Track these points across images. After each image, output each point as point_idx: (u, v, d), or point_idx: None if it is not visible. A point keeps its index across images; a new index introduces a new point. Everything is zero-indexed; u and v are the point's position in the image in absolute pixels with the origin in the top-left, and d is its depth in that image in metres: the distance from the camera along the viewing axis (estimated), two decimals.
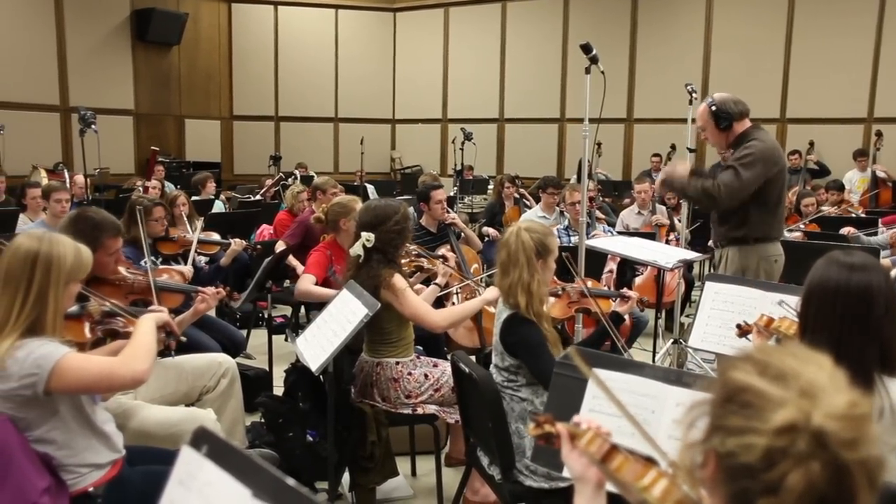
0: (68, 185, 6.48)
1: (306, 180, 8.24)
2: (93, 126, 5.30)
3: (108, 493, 2.13)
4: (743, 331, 2.44)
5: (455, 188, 9.22)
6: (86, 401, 2.10)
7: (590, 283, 3.64)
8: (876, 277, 1.70)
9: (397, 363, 3.17)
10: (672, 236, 5.84)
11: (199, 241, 4.56)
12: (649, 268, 5.15)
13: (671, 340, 4.69)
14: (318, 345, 2.76)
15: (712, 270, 4.35)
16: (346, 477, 3.21)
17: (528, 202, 7.76)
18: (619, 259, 4.98)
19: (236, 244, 4.61)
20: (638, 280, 5.51)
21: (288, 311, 5.95)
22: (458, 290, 4.31)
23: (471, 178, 10.48)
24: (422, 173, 11.23)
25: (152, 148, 11.69)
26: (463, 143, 8.45)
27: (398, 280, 3.08)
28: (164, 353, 2.44)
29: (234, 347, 4.11)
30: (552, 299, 3.28)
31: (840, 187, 7.59)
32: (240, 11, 13.48)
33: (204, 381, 3.15)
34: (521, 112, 13.04)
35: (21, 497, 1.91)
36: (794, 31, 10.81)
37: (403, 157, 14.23)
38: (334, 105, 14.04)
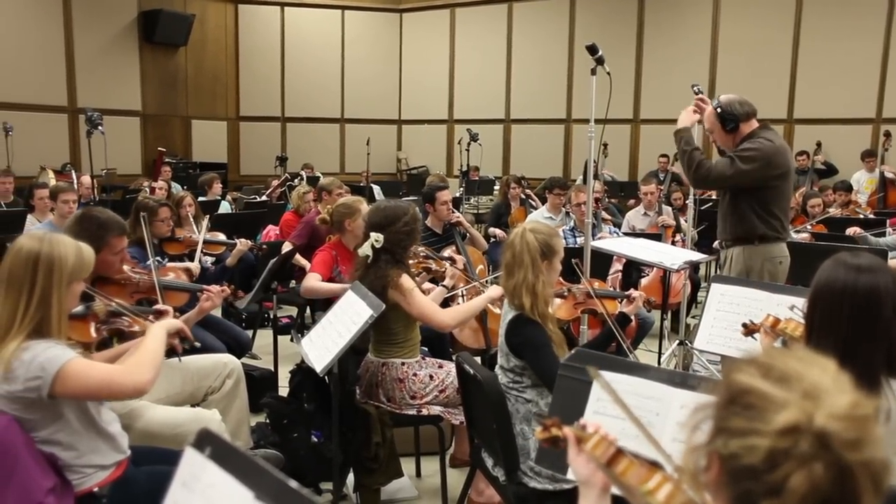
0: (76, 185, 6.50)
1: (312, 181, 8.25)
2: (99, 127, 5.31)
3: (112, 493, 2.13)
4: (749, 330, 2.43)
5: (461, 189, 9.22)
6: (91, 403, 2.10)
7: (596, 285, 3.63)
8: (883, 279, 1.69)
9: (403, 364, 3.17)
10: (678, 237, 5.83)
11: (205, 242, 4.57)
12: (655, 269, 5.14)
13: (677, 342, 4.67)
14: (322, 346, 2.76)
15: (718, 271, 4.33)
16: (350, 477, 3.21)
17: (533, 203, 7.75)
18: (624, 260, 4.97)
19: (242, 244, 4.62)
20: (644, 281, 5.50)
21: (294, 311, 5.95)
22: (464, 292, 4.31)
23: (477, 178, 10.49)
24: (428, 174, 11.26)
25: (159, 149, 11.73)
26: (468, 144, 8.45)
27: (406, 280, 3.08)
28: (170, 353, 2.44)
29: (240, 348, 4.12)
30: (558, 300, 3.28)
31: (848, 188, 7.55)
32: (246, 12, 13.52)
33: (209, 382, 3.15)
34: (528, 113, 13.03)
35: (26, 497, 1.92)
36: (801, 32, 10.77)
37: (409, 157, 14.24)
38: (340, 106, 14.05)
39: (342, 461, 3.03)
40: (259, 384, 4.12)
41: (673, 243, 5.55)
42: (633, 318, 3.18)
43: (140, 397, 2.26)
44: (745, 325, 2.43)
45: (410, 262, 3.42)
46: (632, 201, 8.88)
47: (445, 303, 3.87)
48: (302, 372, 3.25)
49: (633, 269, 5.41)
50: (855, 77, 10.37)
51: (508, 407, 2.58)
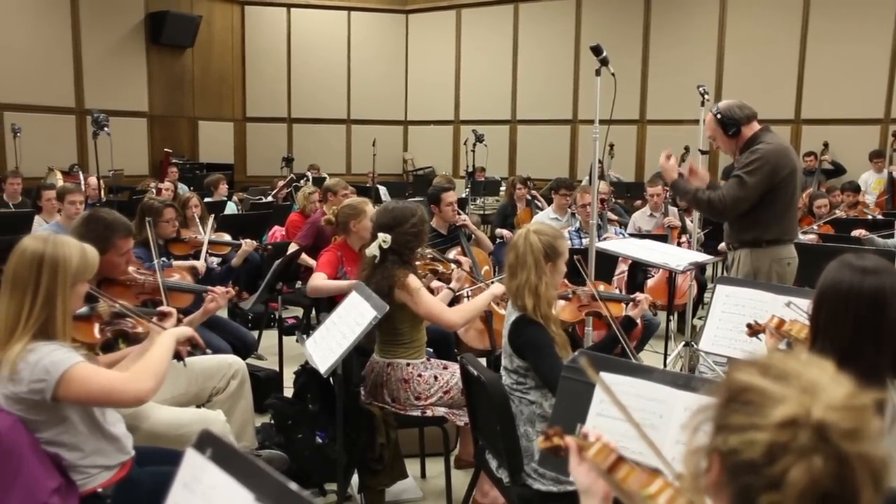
0: (83, 186, 6.52)
1: (318, 182, 8.26)
2: (105, 128, 5.34)
3: (117, 493, 2.14)
4: (754, 330, 2.42)
5: (466, 190, 9.22)
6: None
7: (601, 287, 3.62)
8: (889, 281, 1.67)
9: (408, 364, 3.17)
10: (684, 238, 5.81)
11: (210, 242, 4.58)
12: (661, 270, 5.12)
13: (683, 343, 4.66)
14: (327, 347, 2.76)
15: (725, 273, 4.32)
16: (355, 478, 3.21)
17: (539, 204, 7.74)
18: (630, 261, 4.95)
19: (247, 245, 4.63)
20: (650, 282, 5.48)
21: (300, 312, 5.96)
22: (469, 294, 4.31)
23: (483, 179, 10.48)
24: (434, 175, 11.26)
25: (165, 150, 11.77)
26: (474, 145, 8.45)
27: (413, 280, 3.09)
28: (175, 355, 2.44)
29: (245, 348, 4.12)
30: (562, 302, 3.27)
31: (856, 189, 7.52)
32: (253, 14, 13.55)
33: (214, 383, 3.16)
34: (534, 113, 13.02)
35: (31, 497, 1.93)
36: (808, 32, 10.72)
37: (416, 158, 14.25)
38: (347, 107, 14.07)
39: (346, 462, 3.03)
40: (264, 385, 4.13)
41: (679, 244, 5.54)
42: (638, 321, 3.17)
43: (139, 405, 2.25)
44: (749, 326, 2.42)
45: (417, 263, 3.42)
46: (639, 202, 8.85)
47: (450, 305, 3.87)
48: (306, 373, 3.25)
49: (639, 271, 5.39)
50: (863, 77, 10.32)
51: (512, 408, 2.57)
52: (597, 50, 3.58)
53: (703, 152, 4.88)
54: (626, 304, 3.29)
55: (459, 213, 5.06)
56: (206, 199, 7.00)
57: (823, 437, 0.87)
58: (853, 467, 0.86)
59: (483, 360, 4.08)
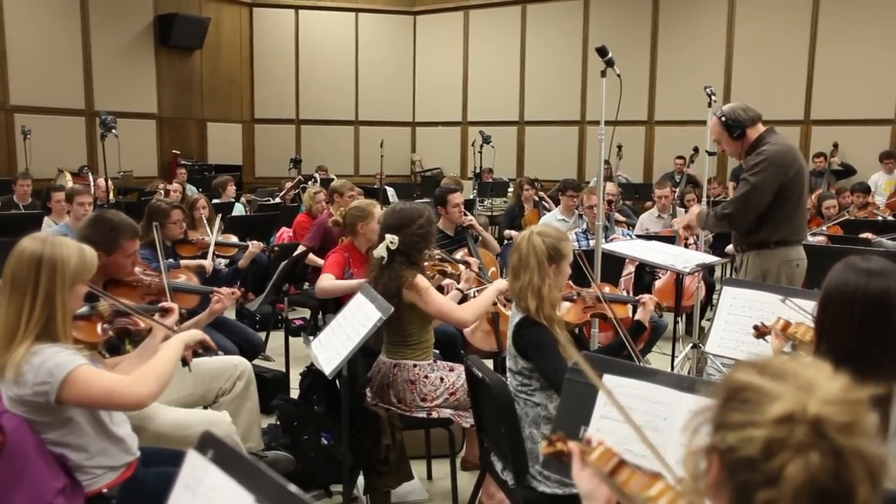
0: (92, 187, 6.56)
1: (326, 183, 8.28)
2: (113, 130, 5.36)
3: (122, 494, 2.15)
4: (760, 332, 2.41)
5: (474, 191, 9.21)
6: None
7: (607, 288, 3.61)
8: (894, 283, 1.66)
9: (415, 365, 3.17)
10: (691, 240, 5.78)
11: (217, 244, 4.59)
12: (669, 271, 5.10)
13: (690, 345, 4.64)
14: (332, 348, 2.77)
15: (734, 274, 4.29)
16: (361, 480, 3.21)
17: (547, 205, 7.73)
18: (637, 262, 4.94)
19: (254, 246, 4.64)
20: (657, 284, 5.46)
21: (307, 313, 5.97)
22: (476, 294, 4.30)
23: (490, 180, 10.47)
24: (442, 176, 11.26)
25: (173, 151, 11.82)
26: (481, 147, 8.45)
27: (421, 280, 3.09)
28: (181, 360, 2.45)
29: (252, 350, 4.13)
30: (567, 304, 3.26)
31: (866, 189, 7.47)
32: (261, 16, 13.60)
33: (220, 384, 3.16)
34: (542, 114, 13.00)
35: (36, 497, 1.93)
36: (818, 32, 10.67)
37: (423, 159, 14.25)
38: (355, 108, 14.10)
39: (352, 463, 3.03)
40: (271, 386, 4.14)
41: (686, 246, 5.51)
42: (647, 324, 3.16)
43: (141, 409, 2.26)
44: (756, 328, 2.41)
45: (425, 263, 3.42)
46: (649, 203, 8.84)
47: (458, 304, 3.86)
48: (312, 374, 3.25)
49: (646, 272, 5.37)
50: (873, 77, 10.26)
51: (517, 410, 2.57)
52: (602, 51, 3.57)
53: (710, 153, 4.86)
54: (633, 307, 3.28)
55: (466, 215, 5.06)
56: (214, 201, 7.03)
57: (819, 431, 0.87)
58: (849, 463, 0.86)
59: (490, 362, 4.08)
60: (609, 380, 1.78)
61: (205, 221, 5.17)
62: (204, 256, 4.47)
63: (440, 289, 3.75)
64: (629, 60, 11.11)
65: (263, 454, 3.22)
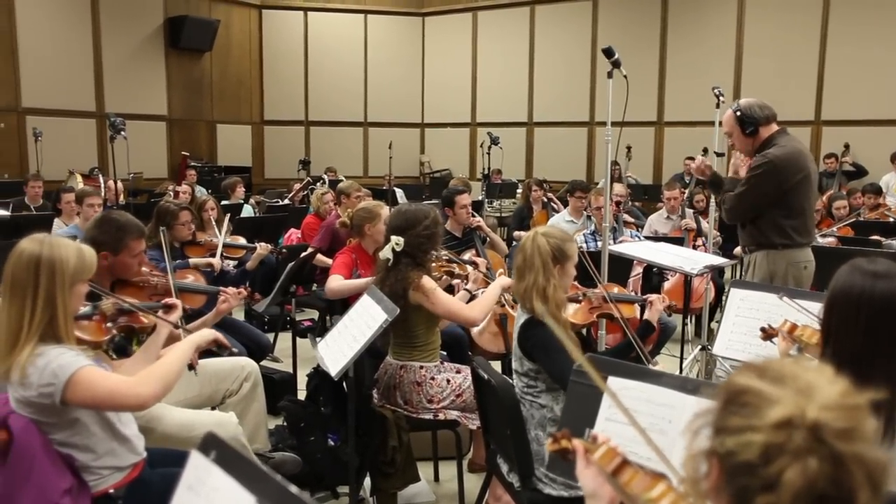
0: (102, 189, 6.60)
1: (335, 185, 8.29)
2: (122, 132, 5.39)
3: (128, 494, 2.16)
4: (767, 334, 2.40)
5: (482, 192, 9.21)
6: None
7: (615, 289, 3.59)
8: None
9: (421, 367, 3.17)
10: (700, 241, 5.76)
11: (225, 246, 4.60)
12: (677, 273, 5.08)
13: (699, 347, 4.61)
14: (338, 350, 2.77)
15: (742, 276, 4.27)
16: (367, 481, 3.21)
17: (555, 206, 7.72)
18: (645, 264, 4.92)
19: (262, 248, 4.65)
20: (667, 285, 5.44)
21: (316, 314, 5.98)
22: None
23: (499, 181, 10.47)
24: (451, 177, 11.26)
25: (182, 153, 11.88)
26: (489, 148, 8.45)
27: (427, 281, 3.08)
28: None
29: (260, 351, 4.14)
30: (574, 305, 3.25)
31: (877, 191, 7.41)
32: (270, 18, 13.64)
33: (227, 385, 3.17)
34: (550, 115, 12.99)
35: (43, 497, 1.95)
36: (829, 32, 10.60)
37: (432, 160, 14.26)
38: (364, 109, 14.12)
39: (359, 465, 3.04)
40: (279, 387, 4.15)
41: (695, 247, 5.49)
42: (655, 324, 3.14)
43: (143, 410, 2.26)
44: (763, 330, 2.40)
45: (432, 264, 3.42)
46: (659, 204, 8.81)
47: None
48: (319, 375, 3.26)
49: (654, 273, 5.35)
50: (884, 77, 10.18)
51: (523, 412, 2.56)
52: (608, 52, 3.56)
53: (718, 154, 4.84)
54: (641, 307, 3.27)
55: (474, 216, 5.06)
56: (223, 202, 7.05)
57: (818, 437, 0.86)
58: (849, 468, 0.86)
59: (498, 363, 4.07)
60: (614, 382, 1.78)
61: (213, 223, 5.19)
62: (212, 258, 4.48)
63: (451, 289, 3.74)
64: (638, 61, 11.08)
65: (270, 455, 3.22)
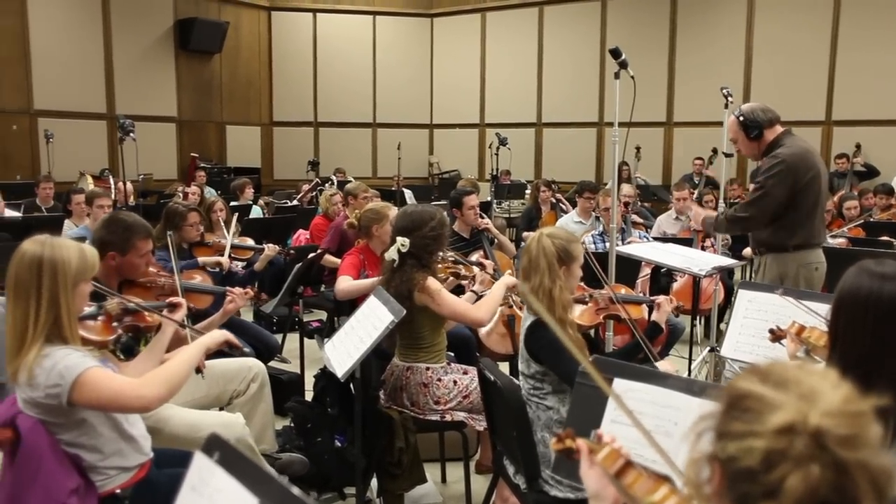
0: (113, 190, 6.64)
1: (344, 185, 8.31)
2: (131, 134, 5.42)
3: (135, 494, 2.17)
4: (776, 336, 2.38)
5: (491, 193, 9.21)
6: None
7: (622, 290, 3.58)
8: None
9: (427, 368, 3.16)
10: (708, 242, 5.73)
11: (233, 247, 4.62)
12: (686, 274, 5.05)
13: (708, 348, 4.59)
14: (344, 351, 2.77)
15: (752, 278, 4.25)
16: (374, 482, 3.21)
17: (564, 207, 7.70)
18: (653, 265, 4.90)
19: (270, 249, 4.66)
20: (675, 286, 5.41)
21: (325, 315, 5.99)
22: None
23: (507, 182, 10.46)
24: (459, 178, 11.26)
25: (191, 154, 11.94)
26: (498, 149, 8.44)
27: (432, 282, 3.08)
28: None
29: (268, 351, 4.15)
30: (580, 306, 3.24)
31: (889, 191, 7.35)
32: (279, 19, 13.69)
33: (234, 385, 3.18)
34: (559, 116, 12.97)
35: (50, 497, 1.96)
36: (839, 32, 10.54)
37: (441, 161, 14.27)
38: (372, 110, 14.15)
39: (365, 466, 3.03)
40: (287, 388, 4.15)
41: (703, 248, 5.46)
42: (663, 326, 3.13)
43: (147, 412, 2.27)
44: (771, 332, 2.38)
45: (438, 266, 3.41)
46: (671, 204, 8.79)
47: None
48: (326, 376, 3.26)
49: (662, 274, 5.33)
50: None
51: (529, 414, 2.55)
52: (615, 52, 3.55)
53: (727, 155, 4.81)
54: (649, 308, 3.25)
55: (482, 217, 5.05)
56: (232, 203, 7.08)
57: (821, 444, 0.85)
58: (852, 476, 0.84)
59: (506, 365, 4.07)
60: (620, 384, 1.77)
61: (222, 224, 5.21)
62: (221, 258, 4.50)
63: (461, 289, 3.73)
64: (647, 61, 11.06)
65: (278, 456, 3.22)
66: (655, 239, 5.67)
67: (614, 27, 12.30)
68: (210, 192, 8.47)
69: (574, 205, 7.01)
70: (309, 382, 4.01)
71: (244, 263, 5.02)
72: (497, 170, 9.13)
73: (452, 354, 3.83)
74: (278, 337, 4.95)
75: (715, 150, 10.09)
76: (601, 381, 1.26)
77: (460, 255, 4.05)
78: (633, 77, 3.53)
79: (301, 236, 6.72)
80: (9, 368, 1.99)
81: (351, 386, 3.05)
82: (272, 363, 4.39)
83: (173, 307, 2.65)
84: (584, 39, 12.56)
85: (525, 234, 6.98)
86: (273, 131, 13.87)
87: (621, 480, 1.20)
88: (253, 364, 3.25)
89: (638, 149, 10.54)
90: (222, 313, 3.07)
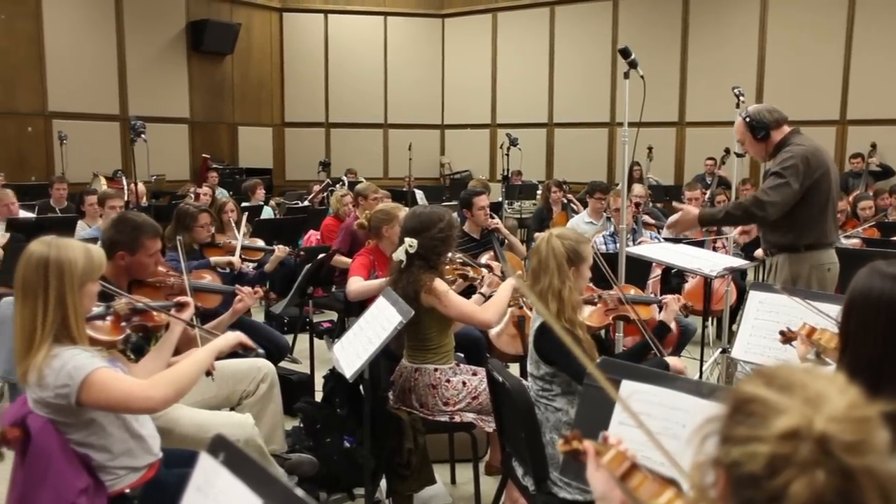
0: (126, 191, 6.68)
1: (355, 186, 8.32)
2: (143, 135, 5.46)
3: (144, 494, 2.17)
4: (787, 338, 2.36)
5: (502, 193, 9.20)
6: None
7: (632, 291, 3.56)
8: None
9: (436, 370, 3.16)
10: (720, 243, 5.69)
11: (244, 248, 4.64)
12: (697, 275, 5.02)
13: (720, 350, 4.56)
14: (353, 352, 2.77)
15: (765, 279, 4.21)
16: (384, 483, 3.21)
17: (575, 207, 7.68)
18: (663, 265, 4.87)
19: (280, 250, 4.68)
20: (687, 287, 5.38)
21: (335, 316, 6.00)
22: None
23: (519, 183, 10.44)
24: (471, 178, 11.26)
25: (203, 155, 12.01)
26: (508, 149, 8.44)
27: (439, 283, 3.07)
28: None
29: (278, 352, 4.16)
30: (589, 307, 3.23)
31: None
32: (290, 20, 13.74)
33: (244, 386, 3.18)
34: (571, 116, 12.94)
35: (59, 497, 1.97)
36: (854, 30, 10.44)
37: (452, 162, 14.27)
38: (384, 111, 14.17)
39: (374, 467, 3.03)
40: (297, 388, 4.16)
41: (714, 249, 5.43)
42: (672, 325, 3.11)
43: (153, 413, 2.28)
44: (782, 333, 2.36)
45: (446, 267, 3.40)
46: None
47: None
48: (335, 377, 3.26)
49: (673, 275, 5.30)
50: None
51: (538, 415, 2.54)
52: (625, 52, 3.53)
53: (739, 155, 4.78)
54: (659, 308, 3.24)
55: (492, 217, 5.04)
56: (244, 204, 7.10)
57: (825, 449, 0.84)
58: (859, 483, 0.83)
59: (516, 366, 4.05)
60: (628, 385, 1.76)
61: (233, 225, 5.23)
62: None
63: (472, 290, 3.72)
64: (659, 61, 11.01)
65: (287, 456, 3.23)
66: (667, 240, 5.63)
67: (626, 27, 12.26)
68: (222, 193, 8.51)
69: (585, 205, 6.99)
70: (319, 383, 4.02)
71: (255, 265, 5.04)
72: (508, 170, 9.12)
73: (462, 355, 3.82)
74: (289, 337, 4.96)
75: (727, 151, 10.02)
76: (607, 385, 1.25)
77: (468, 256, 4.04)
78: (642, 77, 3.51)
79: (312, 237, 6.74)
80: (19, 369, 2.01)
81: (360, 387, 3.06)
82: (283, 363, 4.41)
83: (181, 306, 2.66)
84: (596, 39, 12.52)
85: (536, 234, 6.95)
86: (284, 132, 13.92)
87: (626, 483, 1.20)
88: (262, 364, 3.25)
89: (650, 149, 10.49)
90: (231, 312, 3.09)
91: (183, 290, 2.96)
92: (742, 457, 0.88)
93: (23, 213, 6.67)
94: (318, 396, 3.69)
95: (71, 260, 2.03)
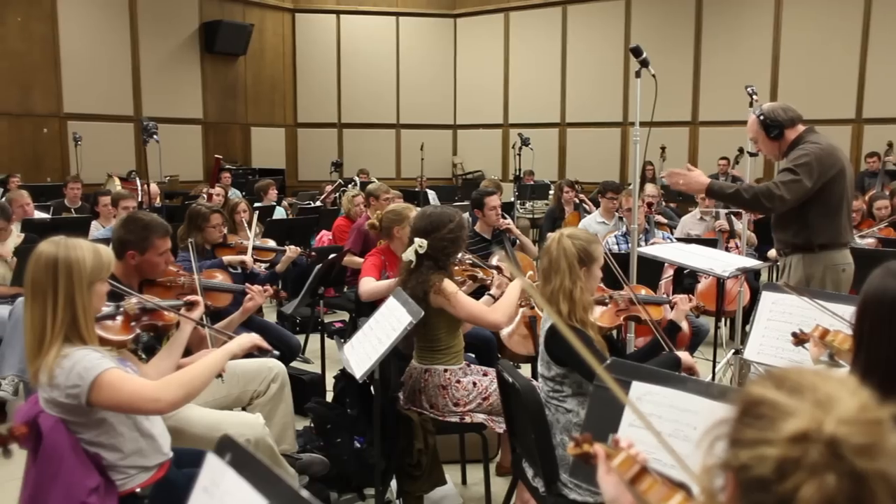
0: (139, 192, 6.72)
1: (366, 186, 8.33)
2: (155, 136, 5.48)
3: (154, 493, 2.18)
4: (799, 339, 2.33)
5: (514, 194, 9.18)
6: None
7: (643, 291, 3.54)
8: None
9: (445, 371, 3.15)
10: (733, 243, 5.65)
11: (255, 248, 4.65)
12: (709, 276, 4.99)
13: (732, 350, 4.52)
14: (363, 352, 2.77)
15: (778, 279, 4.17)
16: (394, 484, 3.21)
17: (587, 207, 7.65)
18: (675, 266, 4.84)
19: (291, 251, 4.69)
20: (699, 287, 5.35)
21: (347, 316, 6.01)
22: None
23: (531, 183, 10.42)
24: (483, 178, 11.26)
25: (216, 156, 12.08)
26: (520, 149, 8.42)
27: (448, 284, 3.06)
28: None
29: (290, 352, 4.17)
30: (600, 308, 3.21)
31: None
32: (303, 21, 13.78)
33: (254, 386, 3.19)
34: (583, 116, 12.90)
35: (70, 496, 1.98)
36: (871, 28, 10.35)
37: (465, 162, 14.27)
38: (396, 111, 14.19)
39: (385, 467, 3.03)
40: (309, 388, 4.17)
41: (727, 249, 5.39)
42: (684, 325, 3.09)
43: (161, 415, 2.28)
44: (794, 335, 2.33)
45: (456, 268, 3.39)
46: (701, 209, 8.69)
47: None
48: (345, 377, 3.26)
49: (685, 276, 5.27)
50: None
51: (548, 416, 2.53)
52: (636, 51, 3.51)
53: (752, 154, 4.74)
54: (671, 308, 3.21)
55: (504, 218, 5.03)
56: (256, 205, 7.13)
57: (836, 453, 0.82)
58: (870, 486, 0.81)
59: (528, 367, 4.04)
60: (638, 387, 1.74)
61: (245, 225, 5.24)
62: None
63: (483, 290, 3.71)
64: (672, 61, 10.95)
65: (298, 456, 3.23)
66: (679, 240, 5.60)
67: (638, 26, 12.21)
68: (234, 194, 8.55)
69: (597, 205, 6.96)
70: (330, 383, 4.02)
71: (266, 265, 5.05)
72: (520, 170, 9.11)
73: (473, 356, 3.81)
74: (300, 337, 4.97)
75: (741, 150, 9.94)
76: (616, 388, 1.24)
77: (478, 257, 4.03)
78: (654, 76, 3.49)
79: (324, 237, 6.76)
80: (30, 369, 2.02)
81: (371, 387, 3.06)
82: (294, 363, 4.41)
83: (191, 305, 2.66)
84: (608, 39, 12.48)
85: (549, 234, 6.93)
86: (297, 133, 13.97)
87: (636, 487, 1.18)
88: (273, 365, 3.26)
89: (663, 149, 10.45)
90: (242, 311, 3.09)
91: (194, 289, 2.97)
92: (751, 460, 0.87)
93: (38, 214, 6.73)
94: (329, 397, 3.70)
95: (79, 259, 2.04)
